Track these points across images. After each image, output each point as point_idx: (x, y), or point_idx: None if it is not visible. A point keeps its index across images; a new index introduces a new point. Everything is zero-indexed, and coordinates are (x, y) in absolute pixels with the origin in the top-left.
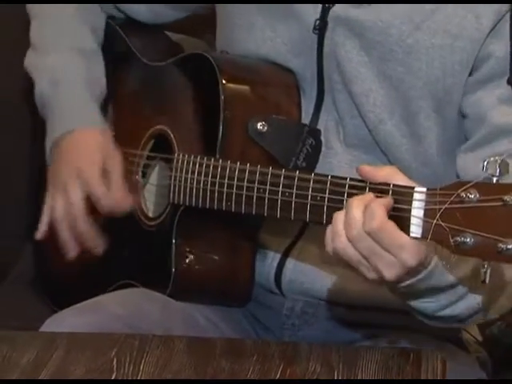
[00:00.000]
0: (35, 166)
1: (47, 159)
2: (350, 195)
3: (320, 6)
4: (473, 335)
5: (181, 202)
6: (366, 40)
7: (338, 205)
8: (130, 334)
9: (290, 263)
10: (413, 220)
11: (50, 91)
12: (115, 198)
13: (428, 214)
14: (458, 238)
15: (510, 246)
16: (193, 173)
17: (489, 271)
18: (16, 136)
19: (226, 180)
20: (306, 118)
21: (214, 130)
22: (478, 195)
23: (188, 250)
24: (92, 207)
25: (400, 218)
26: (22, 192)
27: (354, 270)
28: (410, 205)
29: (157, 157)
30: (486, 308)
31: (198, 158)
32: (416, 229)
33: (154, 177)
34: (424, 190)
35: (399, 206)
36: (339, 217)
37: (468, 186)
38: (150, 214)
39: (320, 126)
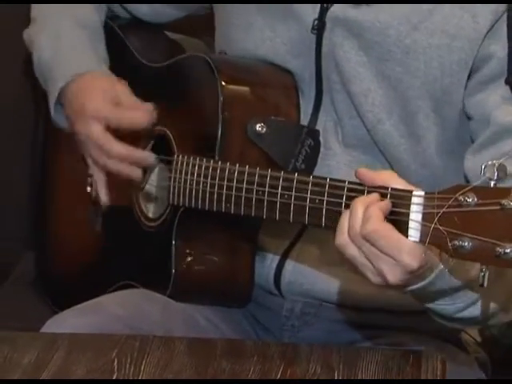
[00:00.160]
0: (36, 168)
1: (53, 119)
2: (349, 198)
3: (318, 6)
4: (472, 336)
5: (180, 204)
6: (364, 40)
7: (336, 208)
8: (130, 335)
9: (290, 264)
10: (411, 224)
11: (50, 52)
12: (130, 112)
13: (426, 217)
14: (456, 242)
15: (507, 250)
16: (192, 174)
17: (487, 275)
18: (17, 137)
19: (226, 182)
20: (304, 119)
21: (213, 131)
22: (475, 199)
23: (188, 251)
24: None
25: (398, 221)
26: (22, 193)
27: (358, 274)
28: (408, 208)
29: (156, 158)
30: (505, 309)
31: (198, 159)
32: (414, 233)
33: (153, 178)
34: (422, 193)
35: (397, 209)
36: (346, 214)
37: (466, 189)
38: (150, 215)
39: (318, 126)
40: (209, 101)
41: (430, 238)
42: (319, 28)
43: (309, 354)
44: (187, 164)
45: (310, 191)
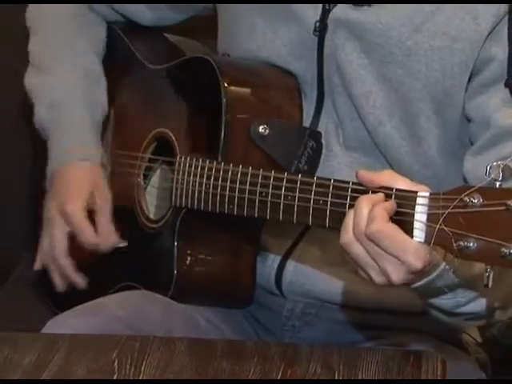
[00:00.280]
0: (36, 168)
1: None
2: (353, 199)
3: (320, 8)
4: (472, 336)
5: (183, 205)
6: (366, 42)
7: (340, 209)
8: (131, 336)
9: (291, 265)
10: (416, 224)
11: (49, 116)
12: (100, 235)
13: (431, 218)
14: (461, 243)
15: None
16: (195, 176)
17: (491, 275)
18: (17, 137)
19: (229, 183)
20: (306, 121)
21: (216, 132)
22: (481, 200)
23: (190, 252)
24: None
25: (403, 222)
26: (23, 194)
27: (360, 275)
28: (413, 209)
29: (159, 159)
30: (504, 307)
31: (200, 160)
32: (419, 233)
33: (155, 179)
34: (427, 194)
35: (402, 210)
36: (351, 213)
37: (471, 190)
38: (152, 217)
39: (320, 128)
40: (212, 102)
41: (435, 239)
42: (321, 30)
43: (309, 354)
44: (190, 165)
45: (314, 192)
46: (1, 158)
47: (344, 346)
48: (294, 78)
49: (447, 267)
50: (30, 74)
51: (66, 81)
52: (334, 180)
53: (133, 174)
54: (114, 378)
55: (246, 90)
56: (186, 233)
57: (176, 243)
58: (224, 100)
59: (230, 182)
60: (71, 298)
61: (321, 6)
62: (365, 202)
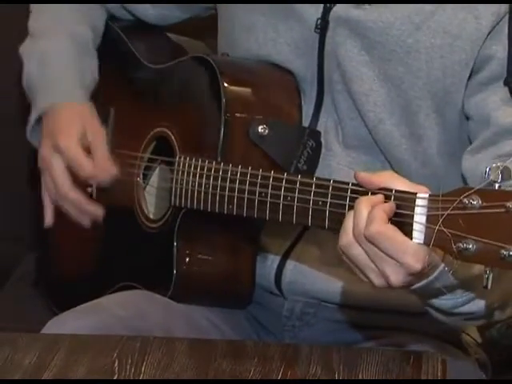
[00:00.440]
0: (36, 169)
1: (28, 138)
2: (353, 200)
3: (321, 5)
4: (472, 337)
5: (182, 205)
6: (366, 40)
7: (340, 210)
8: (131, 336)
9: (290, 264)
10: (415, 226)
11: (38, 71)
12: (97, 166)
13: (430, 219)
14: (461, 244)
15: None
16: (194, 176)
17: (491, 277)
18: (17, 139)
19: (228, 183)
20: (305, 120)
21: (216, 132)
22: (480, 202)
23: (189, 252)
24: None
25: (402, 223)
26: (23, 195)
27: (358, 275)
28: (413, 211)
29: (158, 159)
30: (502, 307)
31: (200, 161)
32: (418, 235)
33: (154, 179)
34: (426, 196)
35: (401, 211)
36: (350, 214)
37: (470, 192)
38: (152, 217)
39: (319, 127)
40: (211, 102)
41: (435, 240)
42: (322, 28)
43: (309, 354)
44: (189, 165)
45: (314, 193)
46: (1, 158)
47: (344, 347)
48: (293, 78)
49: (446, 268)
50: (25, 42)
51: (59, 44)
52: (334, 181)
53: (132, 173)
54: (115, 378)
55: (246, 90)
56: (185, 233)
57: (175, 243)
58: (223, 100)
59: (230, 182)
60: (71, 298)
61: (322, 4)
62: (364, 204)
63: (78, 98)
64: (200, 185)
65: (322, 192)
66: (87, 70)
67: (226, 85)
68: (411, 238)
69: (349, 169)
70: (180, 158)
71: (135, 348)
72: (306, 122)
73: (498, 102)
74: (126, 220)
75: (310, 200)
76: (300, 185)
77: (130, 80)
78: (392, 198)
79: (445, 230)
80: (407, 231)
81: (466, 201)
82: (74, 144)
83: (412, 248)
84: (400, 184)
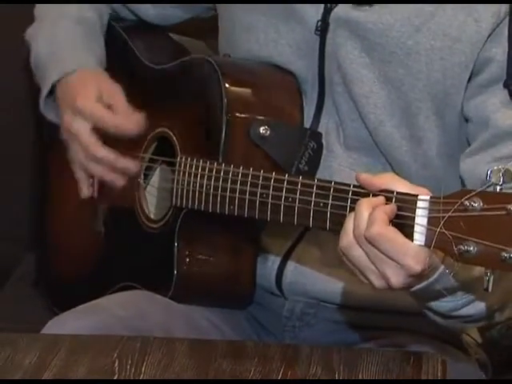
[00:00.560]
0: (36, 168)
1: (41, 110)
2: (354, 202)
3: (322, 7)
4: (473, 337)
5: (183, 206)
6: (367, 42)
7: (341, 211)
8: (131, 336)
9: (291, 265)
10: (416, 228)
11: (47, 50)
12: (120, 116)
13: (431, 221)
14: (462, 247)
15: None
16: (195, 176)
17: (492, 279)
18: (18, 139)
19: (229, 184)
20: (306, 121)
21: (217, 133)
22: (481, 204)
23: (190, 252)
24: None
25: (403, 225)
26: (23, 195)
27: (358, 276)
28: (414, 213)
29: (159, 159)
30: (501, 309)
31: (201, 161)
32: (419, 237)
33: (155, 179)
34: (427, 198)
35: (403, 213)
36: (351, 216)
37: (472, 194)
38: (152, 217)
39: (321, 128)
40: (212, 103)
41: (436, 242)
42: (322, 29)
43: (309, 355)
44: (190, 166)
45: (315, 194)
46: (1, 158)
47: (344, 347)
48: (294, 79)
49: (447, 270)
50: (31, 26)
51: (67, 25)
52: (335, 182)
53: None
54: (115, 378)
55: (247, 91)
56: (186, 233)
57: (176, 244)
58: (225, 101)
59: (231, 183)
60: (71, 298)
61: (322, 5)
62: (365, 205)
63: (90, 64)
64: (201, 185)
65: (324, 193)
66: (97, 48)
67: (227, 85)
68: (412, 240)
69: (350, 170)
70: (181, 158)
71: (135, 348)
72: (307, 124)
73: (498, 104)
74: (127, 220)
75: (311, 201)
76: (301, 186)
77: (131, 80)
78: (393, 199)
79: (446, 232)
80: (408, 233)
81: (467, 203)
82: (92, 102)
83: (413, 250)
84: (401, 186)
